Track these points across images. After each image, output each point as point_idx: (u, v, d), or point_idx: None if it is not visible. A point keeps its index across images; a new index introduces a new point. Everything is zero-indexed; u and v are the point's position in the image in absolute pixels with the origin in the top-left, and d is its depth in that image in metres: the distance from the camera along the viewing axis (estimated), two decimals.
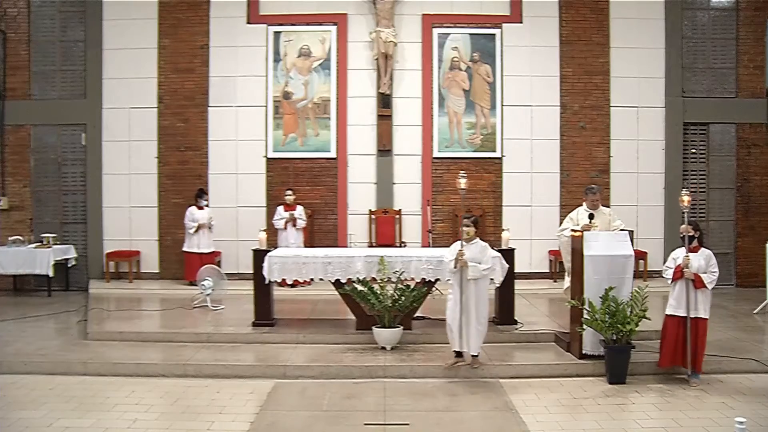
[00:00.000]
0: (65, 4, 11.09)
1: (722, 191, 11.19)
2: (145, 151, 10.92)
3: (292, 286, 9.10)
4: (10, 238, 10.46)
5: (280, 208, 10.40)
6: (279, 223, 10.32)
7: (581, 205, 7.49)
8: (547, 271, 10.83)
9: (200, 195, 10.44)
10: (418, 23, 10.96)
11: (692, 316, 6.04)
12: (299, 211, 10.42)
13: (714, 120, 11.15)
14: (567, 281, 7.07)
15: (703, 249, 6.17)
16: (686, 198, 6.37)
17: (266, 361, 6.55)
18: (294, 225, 10.29)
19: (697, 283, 6.02)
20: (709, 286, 6.04)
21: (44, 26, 11.07)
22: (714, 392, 5.79)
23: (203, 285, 8.68)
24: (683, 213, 6.27)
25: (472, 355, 6.29)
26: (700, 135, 11.20)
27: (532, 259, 10.80)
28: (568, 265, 7.11)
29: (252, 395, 5.76)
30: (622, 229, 6.92)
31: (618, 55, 10.96)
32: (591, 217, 7.15)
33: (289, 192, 10.47)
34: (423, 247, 10.33)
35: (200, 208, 10.38)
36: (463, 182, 6.89)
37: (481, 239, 6.50)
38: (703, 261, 6.09)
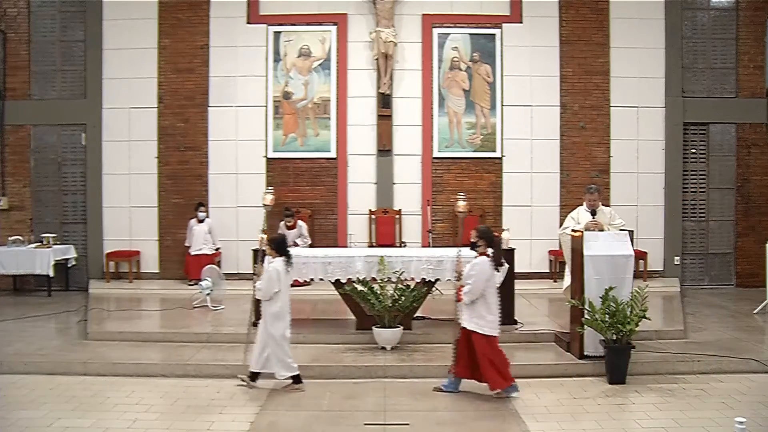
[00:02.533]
0: (65, 4, 11.09)
1: (722, 191, 11.19)
2: (145, 151, 10.92)
3: (293, 285, 9.08)
4: (10, 238, 10.46)
5: (282, 224, 10.41)
6: None
7: (581, 204, 7.48)
8: (547, 271, 10.83)
9: (198, 208, 10.47)
10: (418, 23, 10.96)
11: (463, 326, 5.69)
12: (299, 230, 10.37)
13: (714, 120, 11.16)
14: (567, 280, 7.06)
15: (481, 257, 5.67)
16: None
17: None
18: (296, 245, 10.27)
19: (457, 295, 5.70)
20: (464, 298, 5.58)
21: (44, 26, 11.07)
22: (714, 392, 5.78)
23: (202, 285, 8.69)
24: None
25: None
26: (700, 135, 11.20)
27: (532, 259, 10.79)
28: (570, 264, 7.11)
29: (252, 395, 5.76)
30: (621, 229, 6.91)
31: (618, 55, 10.97)
32: (593, 214, 7.15)
33: (289, 215, 10.32)
34: (423, 247, 10.33)
35: (200, 221, 10.43)
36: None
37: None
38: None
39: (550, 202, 10.94)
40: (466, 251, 5.95)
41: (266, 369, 5.84)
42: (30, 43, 11.03)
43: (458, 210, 6.65)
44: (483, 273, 5.56)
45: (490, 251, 5.68)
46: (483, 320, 5.58)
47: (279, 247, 5.92)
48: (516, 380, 5.70)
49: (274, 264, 5.85)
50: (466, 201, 6.74)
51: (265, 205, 6.83)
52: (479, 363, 5.63)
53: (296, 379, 5.86)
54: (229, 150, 10.96)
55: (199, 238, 10.42)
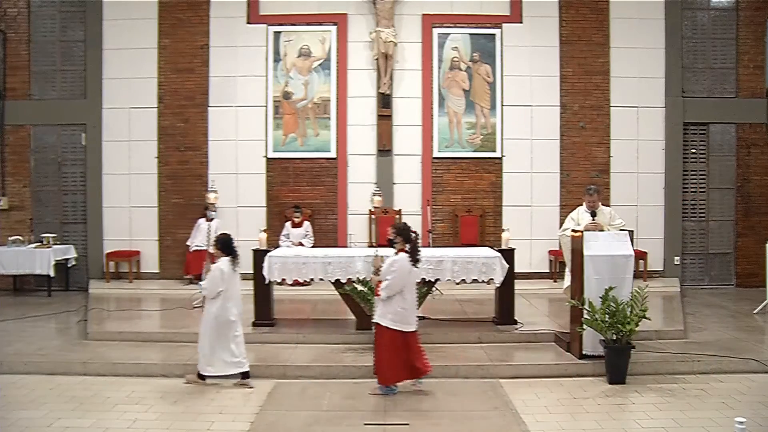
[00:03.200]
0: (65, 4, 11.09)
1: (722, 191, 11.19)
2: (145, 151, 10.92)
3: (291, 285, 9.10)
4: (10, 238, 10.46)
5: (288, 225, 10.40)
6: (284, 242, 10.31)
7: (581, 204, 7.48)
8: (547, 271, 10.83)
9: (207, 206, 10.45)
10: (418, 23, 10.96)
11: (375, 321, 5.71)
12: (305, 229, 10.42)
13: (714, 120, 11.16)
14: (567, 280, 7.06)
15: (400, 254, 5.66)
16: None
17: (266, 361, 6.54)
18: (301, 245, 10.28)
19: (375, 291, 5.70)
20: (382, 294, 5.58)
21: (44, 26, 11.07)
22: (714, 392, 5.78)
23: (202, 285, 8.67)
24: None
25: None
26: (700, 135, 11.20)
27: (532, 259, 10.79)
28: (570, 264, 7.11)
29: (252, 395, 5.76)
30: (622, 229, 6.91)
31: (618, 55, 10.97)
32: (593, 215, 7.16)
33: (297, 213, 10.43)
34: (423, 247, 10.29)
35: (209, 220, 10.39)
36: (377, 200, 6.51)
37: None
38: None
39: (550, 202, 10.94)
40: (384, 250, 6.00)
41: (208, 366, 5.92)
42: (30, 43, 11.03)
43: (373, 206, 6.65)
44: (402, 269, 5.58)
45: (408, 248, 5.70)
46: (398, 316, 5.60)
47: (224, 246, 6.00)
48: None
49: (218, 264, 5.93)
50: (381, 196, 6.70)
51: (210, 204, 6.88)
52: (379, 355, 5.67)
53: (245, 375, 5.94)
54: (229, 150, 10.96)
55: (205, 236, 10.39)
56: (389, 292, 5.58)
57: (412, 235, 5.72)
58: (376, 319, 5.72)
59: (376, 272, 5.81)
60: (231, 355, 5.90)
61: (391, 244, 5.80)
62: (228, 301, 5.91)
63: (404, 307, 5.61)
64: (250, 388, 5.89)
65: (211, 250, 10.23)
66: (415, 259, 5.68)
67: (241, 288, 8.82)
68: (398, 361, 5.62)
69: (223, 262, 5.93)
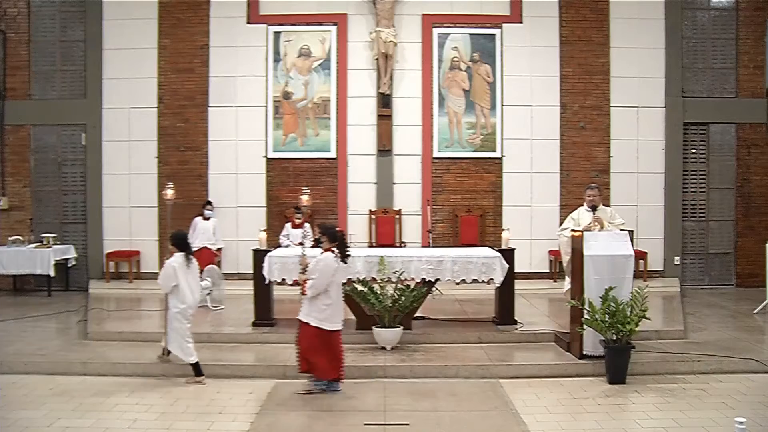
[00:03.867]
0: (65, 4, 11.09)
1: (722, 191, 11.19)
2: (145, 151, 10.92)
3: (291, 285, 9.09)
4: (10, 238, 10.46)
5: (288, 225, 10.41)
6: (284, 242, 10.31)
7: (582, 204, 7.49)
8: (547, 271, 10.83)
9: (205, 206, 10.47)
10: (418, 23, 10.97)
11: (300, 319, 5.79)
12: (306, 230, 10.42)
13: (714, 120, 11.16)
14: (567, 282, 7.06)
15: (326, 253, 5.76)
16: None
17: (266, 361, 6.55)
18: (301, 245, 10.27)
19: (301, 289, 5.75)
20: (308, 292, 5.65)
21: (44, 26, 11.07)
22: (714, 392, 5.78)
23: (202, 285, 8.68)
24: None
25: None
26: (700, 135, 11.20)
27: (532, 259, 10.79)
28: (567, 266, 7.12)
29: (252, 395, 5.76)
30: (621, 229, 6.91)
31: (618, 55, 10.97)
32: (593, 209, 7.16)
33: (299, 215, 10.42)
34: (423, 247, 10.33)
35: (205, 218, 10.39)
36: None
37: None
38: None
39: (550, 202, 10.94)
40: (311, 250, 6.08)
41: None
42: (30, 43, 11.04)
43: (301, 204, 6.79)
44: (328, 268, 5.67)
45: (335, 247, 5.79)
46: (322, 314, 5.68)
47: (178, 243, 6.24)
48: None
49: (171, 260, 6.15)
50: (310, 195, 6.86)
51: (167, 200, 7.04)
52: (305, 355, 5.71)
53: (196, 370, 6.11)
54: (229, 150, 10.96)
55: (203, 235, 10.39)
56: (314, 291, 5.65)
57: (338, 234, 5.84)
58: (301, 317, 5.77)
59: (303, 271, 5.88)
60: (186, 342, 6.14)
61: (318, 243, 5.88)
62: (185, 295, 6.13)
63: (329, 305, 5.70)
64: (204, 384, 6.05)
65: (214, 249, 10.35)
66: (342, 256, 5.77)
67: (241, 289, 8.98)
68: (327, 358, 5.72)
69: (176, 258, 6.16)
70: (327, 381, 5.76)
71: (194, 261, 6.31)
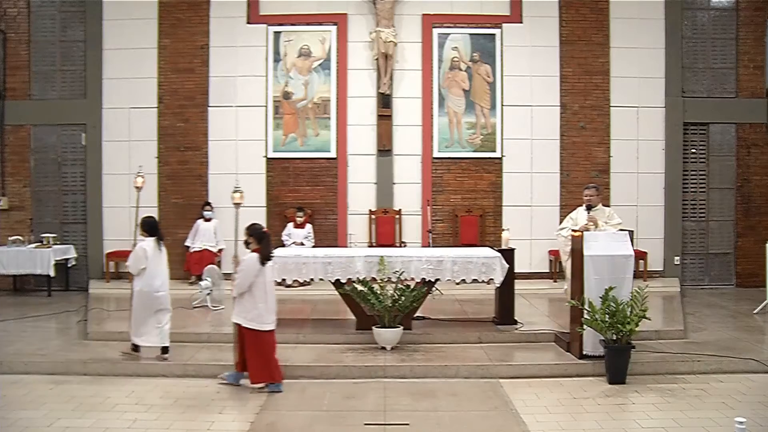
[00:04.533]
0: (65, 4, 11.09)
1: (722, 191, 11.19)
2: (145, 151, 10.91)
3: (291, 285, 9.11)
4: (10, 238, 10.45)
5: (290, 225, 10.46)
6: (288, 242, 10.37)
7: (581, 205, 7.51)
8: (547, 271, 10.83)
9: (204, 207, 10.57)
10: (418, 23, 10.96)
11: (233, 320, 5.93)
12: (307, 230, 10.48)
13: (714, 120, 11.16)
14: (567, 282, 7.08)
15: (251, 254, 5.93)
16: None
17: None
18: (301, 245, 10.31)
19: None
20: (234, 292, 5.84)
21: (44, 26, 11.07)
22: (714, 392, 5.78)
23: (202, 285, 8.70)
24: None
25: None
26: (700, 135, 11.20)
27: (532, 259, 10.79)
28: (565, 266, 7.14)
29: (252, 395, 5.76)
30: (621, 229, 6.91)
31: (618, 55, 10.97)
32: (589, 209, 7.19)
33: (300, 214, 10.48)
34: (423, 247, 10.33)
35: (206, 220, 10.45)
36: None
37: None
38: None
39: (550, 202, 10.94)
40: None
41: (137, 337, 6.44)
42: (30, 43, 11.03)
43: (234, 201, 6.94)
44: (250, 268, 5.80)
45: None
46: (249, 314, 5.79)
47: (148, 228, 6.56)
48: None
49: (142, 243, 6.43)
50: (241, 192, 7.02)
51: (137, 187, 7.33)
52: (246, 354, 5.83)
53: (164, 350, 6.43)
54: (229, 150, 10.96)
55: (204, 236, 10.47)
56: (238, 290, 5.82)
57: (264, 235, 5.98)
58: (232, 317, 5.93)
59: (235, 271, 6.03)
60: (154, 327, 6.36)
61: (246, 244, 6.03)
62: (153, 278, 6.38)
63: (256, 306, 5.80)
64: (165, 360, 6.37)
65: (215, 250, 10.38)
66: (265, 258, 5.88)
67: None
68: (264, 358, 5.81)
69: (147, 242, 6.44)
70: (265, 384, 5.83)
71: (164, 247, 6.56)
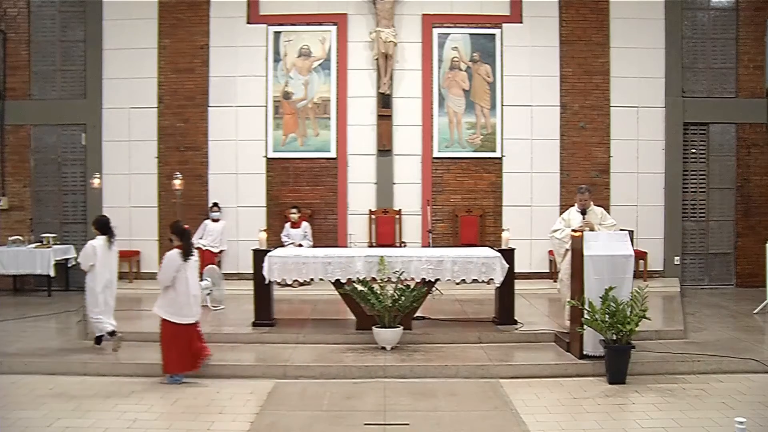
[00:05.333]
0: (65, 4, 11.09)
1: (722, 191, 11.19)
2: (145, 151, 10.92)
3: (290, 285, 9.11)
4: (10, 238, 10.46)
5: (288, 226, 10.49)
6: (287, 242, 10.41)
7: (573, 205, 7.53)
8: (547, 271, 10.82)
9: (212, 207, 10.63)
10: (418, 23, 10.96)
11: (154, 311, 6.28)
12: (304, 230, 10.50)
13: (714, 120, 11.16)
14: (560, 280, 7.13)
15: (173, 250, 6.28)
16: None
17: (266, 361, 6.55)
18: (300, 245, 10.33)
19: None
20: (160, 284, 6.21)
21: (44, 26, 11.08)
22: (714, 392, 5.78)
23: (202, 285, 8.68)
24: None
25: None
26: (700, 135, 11.20)
27: (532, 259, 10.79)
28: (560, 267, 7.16)
29: (252, 395, 5.76)
30: (621, 229, 6.91)
31: (618, 55, 10.97)
32: (583, 213, 7.22)
33: (294, 210, 10.50)
34: (423, 247, 10.33)
35: (215, 220, 10.49)
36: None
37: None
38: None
39: (550, 202, 10.94)
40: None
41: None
42: (30, 43, 11.04)
43: (175, 188, 7.23)
44: (171, 263, 6.13)
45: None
46: (172, 308, 6.10)
47: (100, 227, 6.94)
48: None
49: (92, 241, 6.84)
50: (182, 179, 7.25)
51: (93, 188, 7.44)
52: (161, 345, 6.12)
53: (111, 334, 6.75)
54: (229, 150, 10.96)
55: (210, 237, 10.50)
56: (160, 284, 6.18)
57: (185, 232, 6.32)
58: (153, 309, 6.25)
59: None
60: (98, 321, 6.80)
61: (170, 241, 6.38)
62: (99, 274, 6.77)
63: (177, 300, 6.10)
64: (110, 341, 6.71)
65: (215, 250, 10.39)
66: (185, 255, 6.20)
67: (241, 288, 8.98)
68: (177, 351, 6.05)
69: (98, 239, 6.85)
70: (170, 375, 6.07)
71: (115, 246, 6.96)
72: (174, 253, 6.16)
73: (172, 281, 6.08)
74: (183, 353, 6.05)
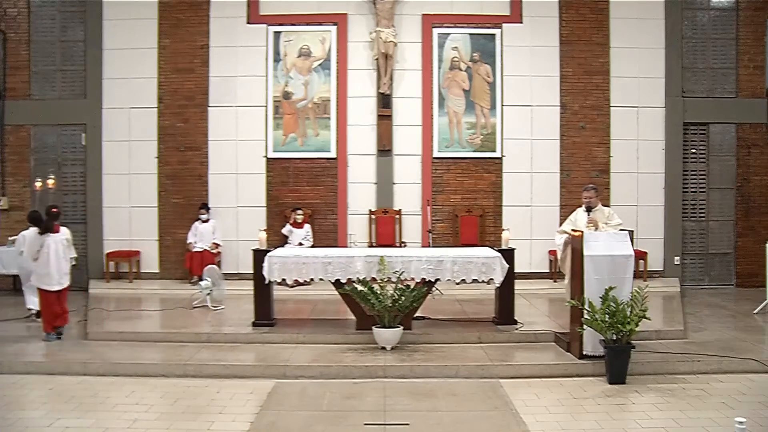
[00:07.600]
0: (65, 4, 11.09)
1: (722, 191, 11.19)
2: (145, 151, 10.92)
3: (291, 286, 9.12)
4: (10, 238, 10.42)
5: (289, 225, 10.52)
6: (289, 236, 10.45)
7: (581, 205, 7.52)
8: (547, 271, 10.83)
9: (200, 209, 10.66)
10: (418, 23, 10.96)
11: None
12: (306, 231, 10.53)
13: (714, 120, 11.16)
14: (566, 279, 7.09)
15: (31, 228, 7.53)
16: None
17: (266, 361, 6.55)
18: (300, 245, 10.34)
19: None
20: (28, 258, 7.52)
21: (44, 26, 11.07)
22: (714, 392, 5.78)
23: (202, 285, 8.70)
24: None
25: None
26: (700, 135, 11.20)
27: (532, 259, 10.79)
28: (564, 267, 7.15)
29: (252, 395, 5.76)
30: (621, 229, 6.91)
31: (618, 55, 10.97)
32: (588, 210, 7.20)
33: (300, 212, 10.51)
34: (423, 247, 10.33)
35: (204, 221, 10.52)
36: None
37: None
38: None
39: (550, 202, 10.94)
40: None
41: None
42: (30, 43, 11.03)
43: (36, 189, 8.24)
44: (32, 241, 7.40)
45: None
46: (40, 279, 7.34)
47: (32, 220, 7.61)
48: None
49: (25, 231, 7.78)
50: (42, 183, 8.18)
51: (35, 191, 8.37)
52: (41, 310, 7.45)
53: (37, 315, 7.85)
54: (229, 150, 10.96)
55: (204, 238, 10.52)
56: (28, 258, 7.47)
57: (38, 216, 7.55)
58: (30, 279, 7.62)
59: None
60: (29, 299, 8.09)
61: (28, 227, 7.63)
62: (25, 261, 7.70)
63: (44, 271, 7.30)
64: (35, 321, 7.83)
65: (214, 250, 10.40)
66: (43, 230, 7.36)
67: (241, 288, 8.99)
68: (50, 312, 7.28)
69: (30, 230, 7.56)
70: (46, 333, 7.23)
71: (51, 236, 7.45)
72: (32, 231, 7.41)
73: (37, 254, 7.30)
74: (51, 316, 7.26)
